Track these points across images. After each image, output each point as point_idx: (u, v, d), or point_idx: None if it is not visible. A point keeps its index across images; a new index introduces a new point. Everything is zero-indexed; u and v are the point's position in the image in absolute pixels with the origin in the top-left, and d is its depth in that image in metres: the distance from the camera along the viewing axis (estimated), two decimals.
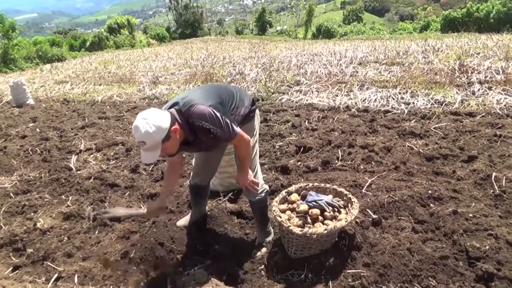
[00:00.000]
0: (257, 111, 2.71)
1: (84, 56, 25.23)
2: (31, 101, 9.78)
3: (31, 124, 7.36)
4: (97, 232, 3.27)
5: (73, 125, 6.98)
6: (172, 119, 2.08)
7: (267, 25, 44.57)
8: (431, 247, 2.60)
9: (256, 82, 9.52)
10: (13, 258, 3.00)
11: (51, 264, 2.84)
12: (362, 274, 2.42)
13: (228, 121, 2.20)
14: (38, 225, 3.36)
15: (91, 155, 5.25)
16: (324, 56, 13.66)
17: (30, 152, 5.49)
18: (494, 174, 3.51)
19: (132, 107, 8.35)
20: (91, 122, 7.09)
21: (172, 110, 2.19)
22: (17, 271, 2.84)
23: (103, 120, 7.27)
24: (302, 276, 2.48)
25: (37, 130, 6.84)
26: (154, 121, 1.99)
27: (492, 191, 3.29)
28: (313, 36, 36.19)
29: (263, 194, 2.74)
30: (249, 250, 2.79)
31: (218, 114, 2.16)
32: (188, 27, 43.74)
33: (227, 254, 2.76)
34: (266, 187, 2.83)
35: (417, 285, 2.32)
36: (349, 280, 2.40)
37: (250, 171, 2.55)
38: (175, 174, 2.72)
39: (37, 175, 4.58)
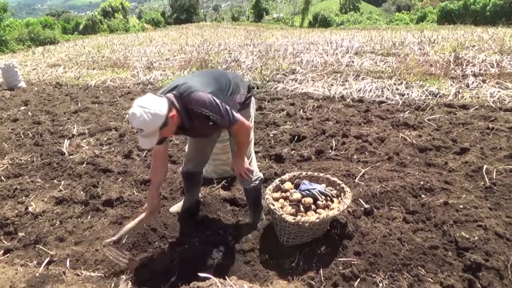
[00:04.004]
0: (252, 98, 2.70)
1: (77, 40, 24.87)
2: (22, 84, 9.64)
3: (22, 108, 7.27)
4: (89, 217, 3.27)
5: (66, 109, 6.91)
6: (169, 105, 2.06)
7: (264, 12, 44.16)
8: (421, 237, 2.64)
9: (252, 70, 9.46)
10: (4, 241, 2.99)
11: (43, 248, 2.84)
12: (353, 262, 2.45)
13: (228, 108, 2.19)
14: (30, 209, 3.34)
15: (84, 140, 5.21)
16: (320, 45, 13.59)
17: (22, 136, 5.44)
18: (485, 166, 3.55)
19: (126, 92, 8.27)
20: (84, 106, 7.01)
21: (170, 95, 2.16)
22: (8, 254, 2.83)
23: (96, 105, 7.20)
24: (294, 263, 2.51)
25: (29, 113, 6.76)
26: (151, 108, 1.96)
27: (482, 183, 3.33)
28: (310, 24, 35.96)
29: (257, 182, 2.75)
30: (242, 237, 2.81)
31: (217, 101, 2.14)
32: (184, 12, 43.16)
33: (220, 241, 2.77)
34: (261, 175, 2.83)
35: (406, 274, 2.36)
36: (340, 268, 2.43)
37: (245, 159, 2.55)
38: (162, 164, 2.56)
39: (29, 159, 4.55)
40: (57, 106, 7.30)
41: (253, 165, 2.76)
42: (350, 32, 21.85)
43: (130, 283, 2.40)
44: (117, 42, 20.69)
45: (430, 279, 2.30)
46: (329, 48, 12.45)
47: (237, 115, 2.26)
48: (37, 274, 2.49)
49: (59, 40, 23.91)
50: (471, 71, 7.73)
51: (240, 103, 2.50)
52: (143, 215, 2.55)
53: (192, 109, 2.15)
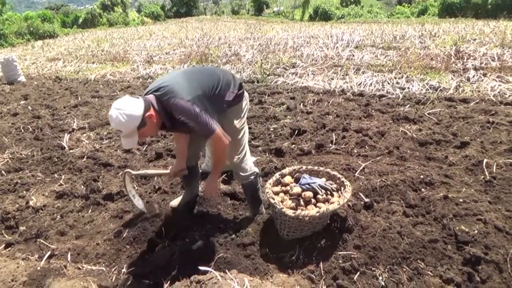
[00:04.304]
0: (245, 93, 2.69)
1: (77, 33, 24.79)
2: (22, 78, 9.62)
3: (22, 102, 7.26)
4: (90, 211, 3.28)
5: (66, 104, 6.90)
6: (146, 106, 2.09)
7: (264, 6, 43.94)
8: (421, 230, 2.64)
9: (252, 64, 9.44)
10: (5, 235, 3.00)
11: (44, 242, 2.85)
12: (352, 256, 2.46)
13: (207, 118, 2.18)
14: (31, 203, 3.35)
15: (84, 134, 5.21)
16: (321, 38, 13.54)
17: (22, 130, 5.44)
18: (485, 160, 3.55)
19: (126, 87, 8.25)
20: (84, 100, 7.00)
21: (151, 96, 2.19)
22: (9, 248, 2.85)
23: (96, 99, 7.19)
24: (294, 257, 2.52)
25: (29, 108, 6.75)
26: (126, 110, 2.01)
27: (482, 177, 3.33)
28: (310, 18, 35.78)
29: (252, 177, 2.77)
30: (242, 231, 2.81)
31: (197, 110, 2.14)
32: (183, 5, 42.98)
33: (220, 235, 2.78)
34: (256, 169, 2.83)
35: (406, 267, 2.37)
36: (340, 261, 2.44)
37: (216, 183, 2.57)
38: (184, 138, 2.74)
39: (29, 153, 4.55)
40: (57, 100, 7.29)
41: (247, 160, 2.76)
42: (350, 25, 21.74)
43: (131, 276, 2.42)
44: (117, 36, 20.61)
45: (429, 272, 2.32)
46: (330, 41, 12.41)
47: (216, 127, 2.23)
48: (38, 268, 2.50)
49: (58, 34, 23.82)
50: (472, 65, 7.70)
51: (229, 101, 2.48)
52: (167, 171, 2.82)
53: (172, 113, 2.18)
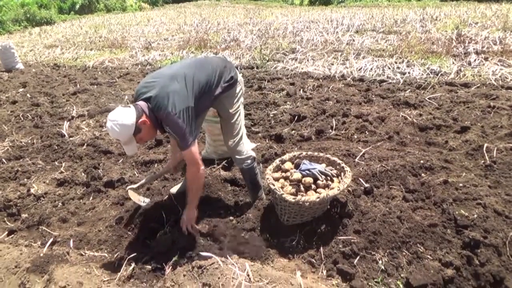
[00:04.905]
0: (240, 78, 2.69)
1: (74, 20, 24.44)
2: (20, 66, 9.56)
3: (21, 89, 7.22)
4: (91, 198, 3.29)
5: (65, 91, 6.87)
6: (138, 114, 2.16)
7: None
8: (421, 215, 2.66)
9: (251, 50, 9.35)
10: (8, 222, 3.03)
11: (46, 229, 2.88)
12: (352, 240, 2.48)
13: (187, 135, 2.22)
14: (32, 190, 3.37)
15: (84, 122, 5.20)
16: (321, 23, 13.38)
17: (21, 118, 5.42)
18: (485, 145, 3.54)
19: (125, 73, 8.20)
20: (82, 88, 6.96)
21: (143, 104, 2.24)
22: (12, 235, 2.88)
23: (95, 86, 7.15)
24: (294, 242, 2.54)
25: (28, 95, 6.72)
26: (119, 121, 2.12)
27: (483, 161, 3.33)
28: (310, 2, 35.22)
29: (249, 161, 2.79)
30: (243, 217, 2.83)
31: (183, 126, 2.19)
32: None
33: (221, 221, 2.80)
34: (252, 154, 2.84)
35: (405, 251, 2.39)
36: (340, 246, 2.46)
37: (195, 213, 2.54)
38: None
39: (29, 141, 4.55)
40: (56, 87, 7.25)
41: (243, 144, 2.77)
42: (351, 9, 21.44)
43: (133, 262, 2.44)
44: (114, 22, 20.35)
45: (429, 256, 2.34)
46: (330, 26, 12.25)
47: (191, 146, 2.27)
48: (41, 254, 2.53)
49: (55, 21, 23.49)
50: (474, 49, 7.63)
51: (220, 92, 2.51)
52: (163, 169, 3.06)
53: (161, 122, 2.26)
